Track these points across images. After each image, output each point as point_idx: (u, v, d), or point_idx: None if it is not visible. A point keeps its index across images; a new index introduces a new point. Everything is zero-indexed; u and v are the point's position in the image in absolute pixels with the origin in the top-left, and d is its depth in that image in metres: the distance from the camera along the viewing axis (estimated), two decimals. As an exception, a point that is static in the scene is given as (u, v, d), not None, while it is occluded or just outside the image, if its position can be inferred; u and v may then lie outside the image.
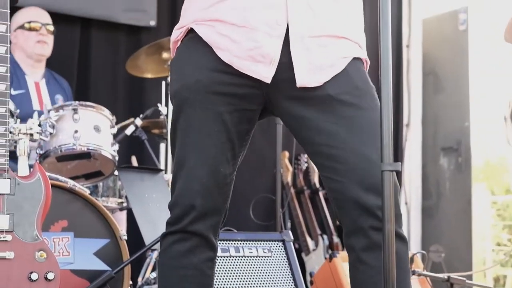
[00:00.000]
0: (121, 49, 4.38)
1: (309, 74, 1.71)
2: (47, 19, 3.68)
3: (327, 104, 1.72)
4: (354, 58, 1.77)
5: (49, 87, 3.68)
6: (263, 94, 1.76)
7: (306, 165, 4.94)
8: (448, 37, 5.33)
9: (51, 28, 3.67)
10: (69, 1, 4.15)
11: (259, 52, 1.70)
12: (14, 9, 2.41)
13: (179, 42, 1.84)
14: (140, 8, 4.39)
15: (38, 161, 2.90)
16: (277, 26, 1.70)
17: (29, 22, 3.59)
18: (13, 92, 3.41)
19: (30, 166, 2.31)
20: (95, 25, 4.32)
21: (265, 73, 1.70)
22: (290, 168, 4.73)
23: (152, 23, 4.43)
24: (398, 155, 5.13)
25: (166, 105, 3.47)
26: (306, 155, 4.84)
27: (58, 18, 3.81)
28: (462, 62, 5.17)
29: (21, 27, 3.60)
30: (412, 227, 5.34)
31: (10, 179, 2.18)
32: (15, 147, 2.44)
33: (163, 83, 3.52)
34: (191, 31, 1.79)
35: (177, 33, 1.83)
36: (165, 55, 3.48)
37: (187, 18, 1.81)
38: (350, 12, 1.80)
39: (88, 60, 4.27)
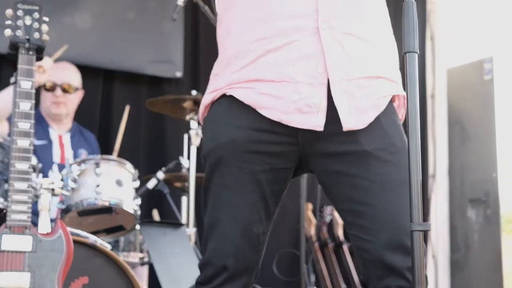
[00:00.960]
0: (143, 101, 4.39)
1: (353, 117, 1.69)
2: (65, 77, 3.65)
3: (362, 160, 1.70)
4: (391, 101, 1.77)
5: (73, 141, 3.68)
6: (299, 151, 1.74)
7: (330, 217, 4.86)
8: (473, 87, 5.29)
9: (69, 87, 3.64)
10: (94, 53, 4.20)
11: (305, 103, 1.68)
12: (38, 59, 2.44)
13: (210, 105, 1.82)
14: (167, 60, 4.43)
15: (59, 217, 2.88)
16: (318, 75, 1.69)
17: (48, 82, 3.58)
18: (36, 142, 3.41)
19: (51, 220, 2.29)
20: (118, 77, 4.35)
21: (316, 121, 1.68)
22: (314, 221, 4.66)
23: (179, 74, 4.45)
24: (424, 206, 5.04)
25: (188, 158, 3.46)
26: (330, 207, 4.77)
27: (81, 70, 3.82)
28: (489, 112, 5.11)
29: (44, 86, 3.61)
30: (440, 281, 5.21)
31: (32, 236, 2.17)
32: (37, 201, 2.43)
33: (185, 136, 3.51)
34: (224, 95, 1.77)
35: (210, 97, 1.81)
36: (185, 104, 3.47)
37: (220, 82, 1.79)
38: (384, 52, 1.81)
39: (110, 112, 4.28)
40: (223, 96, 1.77)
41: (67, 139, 3.67)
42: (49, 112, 3.63)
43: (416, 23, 1.55)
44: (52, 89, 3.61)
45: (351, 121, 1.69)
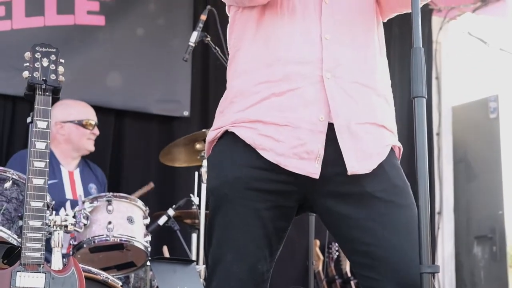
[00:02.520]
0: (153, 138, 4.46)
1: (358, 161, 1.72)
2: (96, 117, 3.84)
3: (364, 201, 1.72)
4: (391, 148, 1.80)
5: (82, 176, 3.74)
6: (301, 191, 1.76)
7: (337, 253, 4.88)
8: (478, 125, 5.34)
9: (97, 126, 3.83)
10: (105, 94, 4.29)
11: (303, 149, 1.71)
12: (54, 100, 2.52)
13: (215, 141, 1.86)
14: (174, 99, 4.50)
15: (72, 253, 2.91)
16: (319, 122, 1.72)
17: (87, 120, 3.75)
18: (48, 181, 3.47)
19: (63, 255, 2.32)
20: (129, 115, 4.42)
21: (312, 169, 1.71)
22: (321, 257, 4.67)
23: (186, 113, 4.52)
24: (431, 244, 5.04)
25: (199, 195, 3.49)
26: (337, 244, 4.78)
27: (93, 108, 3.91)
28: (494, 150, 5.15)
29: (76, 122, 3.72)
30: (447, 318, 5.20)
31: (45, 273, 2.20)
32: (49, 238, 2.47)
33: (196, 173, 3.55)
34: (228, 132, 1.82)
35: (214, 133, 1.85)
36: (198, 146, 3.53)
37: (224, 120, 1.83)
38: (387, 101, 1.84)
39: (121, 150, 4.34)
40: (227, 132, 1.81)
41: (77, 174, 3.73)
42: (82, 147, 3.75)
43: (424, 68, 1.60)
44: (91, 127, 3.76)
45: (356, 165, 1.71)
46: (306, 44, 1.76)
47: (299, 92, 1.74)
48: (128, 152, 4.38)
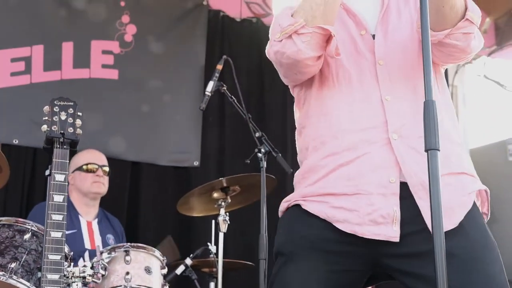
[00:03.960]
0: (169, 188, 4.48)
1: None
2: (104, 161, 3.85)
3: None
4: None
5: (100, 227, 3.76)
6: (371, 252, 1.72)
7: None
8: (497, 168, 5.29)
9: (107, 169, 3.83)
10: (120, 147, 4.35)
11: (379, 214, 1.69)
12: (71, 152, 2.57)
13: (286, 210, 1.87)
14: (185, 150, 4.55)
15: (89, 305, 2.91)
16: (390, 184, 1.70)
17: (87, 164, 3.77)
18: (66, 232, 3.49)
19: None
20: (145, 165, 4.47)
21: (391, 233, 1.68)
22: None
23: (196, 163, 4.57)
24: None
25: (216, 244, 3.49)
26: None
27: (110, 159, 3.95)
28: (515, 193, 5.09)
29: (79, 168, 3.76)
30: None
31: (62, 327, 2.20)
32: (67, 289, 2.47)
33: (213, 222, 3.56)
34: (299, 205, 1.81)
35: (285, 205, 1.86)
36: (215, 195, 3.54)
37: (295, 194, 1.84)
38: (461, 145, 1.82)
39: (138, 199, 4.37)
40: (298, 205, 1.81)
41: (95, 225, 3.75)
42: (88, 191, 3.75)
43: (437, 121, 1.59)
44: (93, 170, 3.76)
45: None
46: (369, 110, 1.76)
47: (366, 157, 1.73)
48: (144, 200, 4.40)
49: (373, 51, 1.82)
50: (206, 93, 3.41)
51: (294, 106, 1.97)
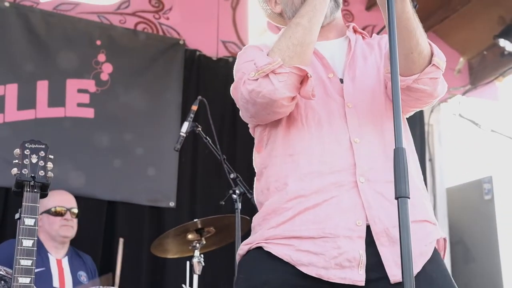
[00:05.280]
0: (144, 226, 4.42)
1: (399, 268, 1.63)
2: (73, 203, 3.80)
3: None
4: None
5: (71, 265, 3.71)
6: None
7: None
8: (474, 206, 5.31)
9: (76, 211, 3.79)
10: (96, 187, 4.30)
11: (345, 258, 1.67)
12: (42, 196, 2.53)
13: (246, 253, 1.83)
14: (161, 191, 4.50)
15: None
16: (357, 227, 1.69)
17: (55, 207, 3.72)
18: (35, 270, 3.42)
19: None
20: (121, 205, 4.41)
21: (356, 277, 1.67)
22: None
23: (172, 204, 4.52)
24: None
25: (190, 285, 3.44)
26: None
27: (86, 198, 3.90)
28: (491, 231, 5.10)
29: (47, 211, 3.71)
30: None
31: None
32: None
33: (187, 263, 3.51)
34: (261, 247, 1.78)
35: (246, 247, 1.83)
36: (190, 236, 3.50)
37: (256, 236, 1.81)
38: (424, 193, 1.82)
39: (113, 238, 4.30)
40: (260, 248, 1.77)
41: (65, 263, 3.69)
42: (57, 235, 3.69)
43: (407, 168, 1.59)
44: (62, 213, 3.71)
45: (398, 273, 1.64)
46: (337, 153, 1.76)
47: (334, 201, 1.72)
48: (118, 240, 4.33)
49: (342, 94, 1.83)
50: (181, 134, 3.40)
51: (254, 149, 1.94)
